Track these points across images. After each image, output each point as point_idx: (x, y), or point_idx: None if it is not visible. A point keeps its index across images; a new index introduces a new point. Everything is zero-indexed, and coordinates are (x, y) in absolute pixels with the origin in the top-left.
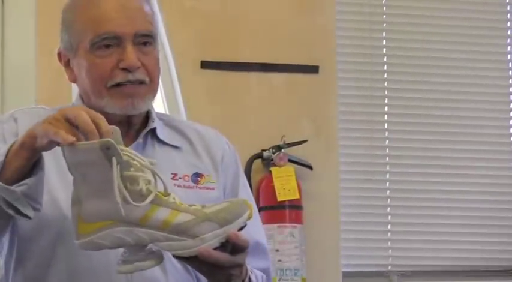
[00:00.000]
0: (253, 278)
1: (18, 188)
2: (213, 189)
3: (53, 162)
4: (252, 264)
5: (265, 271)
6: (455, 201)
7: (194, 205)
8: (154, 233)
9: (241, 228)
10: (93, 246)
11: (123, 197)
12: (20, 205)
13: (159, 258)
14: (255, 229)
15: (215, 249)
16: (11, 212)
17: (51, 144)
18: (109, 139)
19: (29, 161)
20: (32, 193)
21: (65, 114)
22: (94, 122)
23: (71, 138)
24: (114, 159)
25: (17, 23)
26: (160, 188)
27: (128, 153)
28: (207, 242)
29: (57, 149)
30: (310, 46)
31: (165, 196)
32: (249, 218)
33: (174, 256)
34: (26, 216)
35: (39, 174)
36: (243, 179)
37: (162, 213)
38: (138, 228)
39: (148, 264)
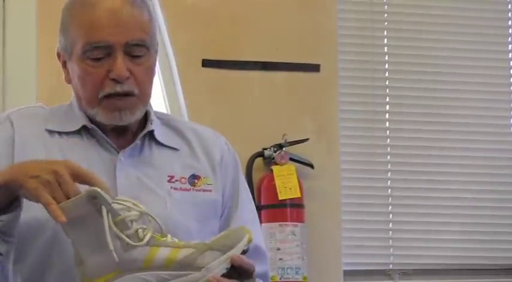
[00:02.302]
0: None
1: None
2: (210, 191)
3: None
4: None
5: (264, 275)
6: (456, 199)
7: (194, 241)
8: (159, 273)
9: (243, 253)
10: None
11: (124, 243)
12: None
13: None
14: (255, 233)
15: (222, 276)
16: None
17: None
18: (94, 188)
19: (8, 200)
20: (8, 229)
21: (57, 174)
22: (83, 176)
23: (63, 219)
24: (103, 208)
25: (18, 22)
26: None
27: (118, 201)
28: (213, 271)
29: (50, 150)
30: (311, 45)
31: (163, 238)
32: (249, 241)
33: None
34: None
35: (16, 211)
36: (243, 181)
37: (163, 253)
38: (143, 272)
39: None
